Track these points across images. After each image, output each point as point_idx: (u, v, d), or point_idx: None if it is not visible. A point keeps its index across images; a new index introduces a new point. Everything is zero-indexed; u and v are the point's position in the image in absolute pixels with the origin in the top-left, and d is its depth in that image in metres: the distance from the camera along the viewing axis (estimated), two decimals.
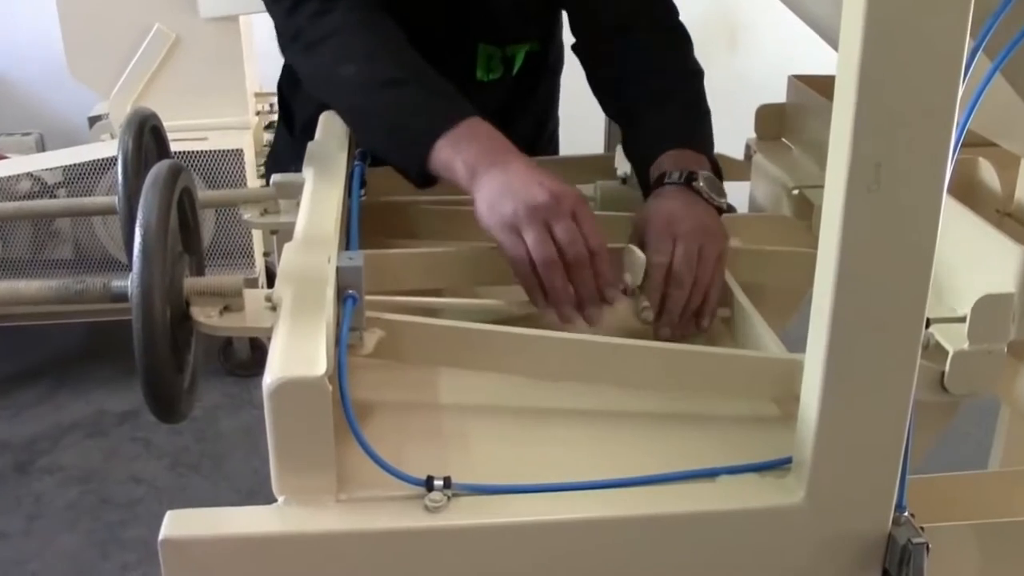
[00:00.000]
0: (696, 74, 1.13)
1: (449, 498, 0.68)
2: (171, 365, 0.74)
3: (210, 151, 2.45)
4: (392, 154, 1.00)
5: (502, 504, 0.69)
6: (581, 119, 1.62)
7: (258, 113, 2.64)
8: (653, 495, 0.70)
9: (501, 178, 0.88)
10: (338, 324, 0.75)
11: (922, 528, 0.69)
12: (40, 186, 2.43)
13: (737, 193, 1.32)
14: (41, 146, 2.93)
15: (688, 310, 0.92)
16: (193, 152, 2.42)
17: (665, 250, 0.92)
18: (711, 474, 0.73)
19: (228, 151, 2.46)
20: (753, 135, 1.30)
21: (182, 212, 0.85)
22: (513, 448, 0.78)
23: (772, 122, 1.28)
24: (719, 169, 1.04)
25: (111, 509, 2.18)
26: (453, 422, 0.81)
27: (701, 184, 0.98)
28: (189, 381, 0.84)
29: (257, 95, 2.65)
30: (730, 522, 0.69)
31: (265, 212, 1.13)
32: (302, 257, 0.83)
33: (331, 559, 0.67)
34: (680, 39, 1.15)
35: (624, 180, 1.19)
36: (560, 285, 0.87)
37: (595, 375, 0.81)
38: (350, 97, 1.02)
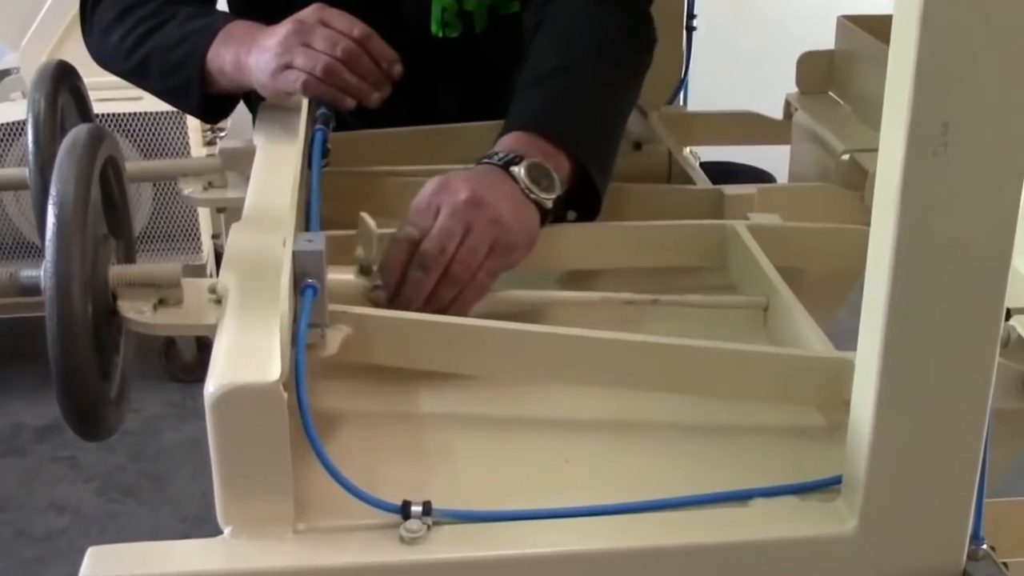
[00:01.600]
0: (620, 63, 1.09)
1: (429, 527, 0.68)
2: (94, 370, 0.74)
3: (145, 113, 2.44)
4: (177, 97, 1.18)
5: (492, 533, 0.68)
6: None
7: None
8: (673, 523, 0.70)
9: (256, 49, 1.07)
10: (295, 320, 0.74)
11: (1005, 564, 0.69)
12: None
13: (775, 159, 1.32)
14: None
15: (435, 303, 0.88)
16: (124, 115, 2.41)
17: (420, 223, 0.89)
18: (743, 497, 0.72)
19: (167, 114, 2.45)
20: (794, 89, 1.29)
21: (106, 187, 0.85)
22: (507, 467, 0.78)
23: (817, 73, 1.28)
24: (593, 180, 1.00)
25: (27, 543, 2.18)
26: (435, 436, 0.81)
27: (520, 170, 0.93)
28: (118, 389, 0.84)
29: None
30: (766, 555, 0.69)
31: (210, 186, 1.12)
32: (252, 239, 0.83)
33: None
34: (623, 20, 1.12)
35: (638, 145, 1.19)
36: (351, 81, 1.05)
37: (604, 378, 0.80)
38: (124, 63, 1.19)
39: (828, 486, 0.72)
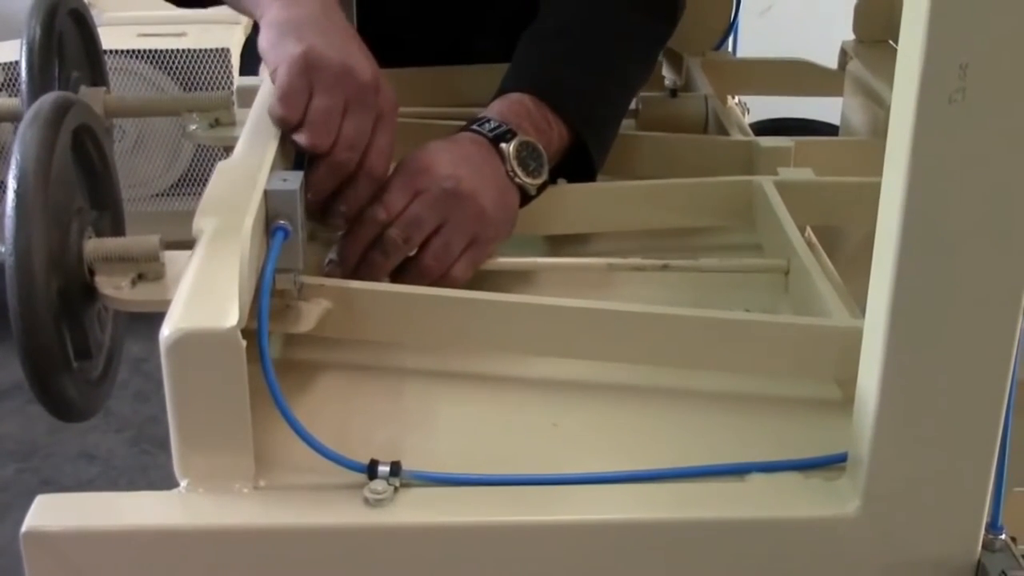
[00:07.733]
0: (637, 35, 1.06)
1: (396, 488, 0.67)
2: (60, 351, 0.73)
3: (189, 50, 2.45)
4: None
5: (463, 499, 0.67)
6: None
7: None
8: (658, 495, 0.68)
9: (315, 20, 0.86)
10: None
11: None
12: None
13: (827, 111, 1.28)
14: None
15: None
16: (166, 51, 2.42)
17: (392, 203, 0.85)
18: (739, 471, 0.70)
19: (211, 51, 2.46)
20: (851, 36, 1.25)
21: (84, 156, 0.83)
22: (490, 429, 0.76)
23: (877, 18, 1.23)
24: (591, 159, 0.97)
25: (53, 492, 2.21)
26: (417, 393, 0.79)
27: (510, 147, 0.90)
28: (102, 368, 0.83)
29: None
30: (759, 535, 0.66)
31: (217, 123, 1.11)
32: (234, 180, 0.81)
33: (242, 561, 0.66)
34: None
35: (673, 92, 1.16)
36: (321, 176, 0.84)
37: (606, 352, 0.78)
38: None
39: (833, 463, 0.70)
